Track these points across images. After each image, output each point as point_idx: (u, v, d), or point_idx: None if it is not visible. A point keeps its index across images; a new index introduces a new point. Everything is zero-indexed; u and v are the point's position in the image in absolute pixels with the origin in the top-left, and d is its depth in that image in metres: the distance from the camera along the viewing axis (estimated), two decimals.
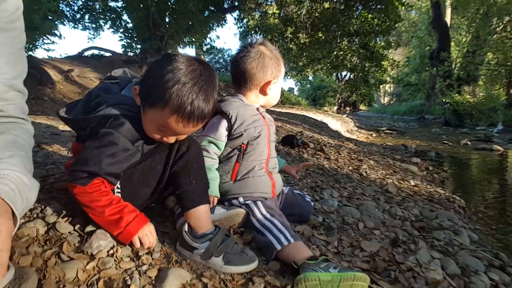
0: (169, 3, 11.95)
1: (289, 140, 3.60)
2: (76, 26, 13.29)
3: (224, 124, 1.31)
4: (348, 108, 33.78)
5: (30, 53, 7.43)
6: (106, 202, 0.98)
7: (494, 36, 14.32)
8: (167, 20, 12.31)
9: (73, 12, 13.10)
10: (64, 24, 13.24)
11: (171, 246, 1.11)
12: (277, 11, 15.28)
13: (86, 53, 11.68)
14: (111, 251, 0.98)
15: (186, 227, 1.10)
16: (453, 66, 16.67)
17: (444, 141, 8.35)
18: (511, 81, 13.82)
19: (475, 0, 13.29)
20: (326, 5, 13.17)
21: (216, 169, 1.32)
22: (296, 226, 1.49)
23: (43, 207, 1.12)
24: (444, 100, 15.27)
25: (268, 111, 1.59)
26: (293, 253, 1.12)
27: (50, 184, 1.33)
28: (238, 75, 1.38)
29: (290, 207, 1.48)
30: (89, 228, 1.03)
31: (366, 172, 3.12)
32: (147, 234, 1.01)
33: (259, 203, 1.29)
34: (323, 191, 2.13)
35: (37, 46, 7.34)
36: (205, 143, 1.31)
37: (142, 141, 1.06)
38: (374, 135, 10.10)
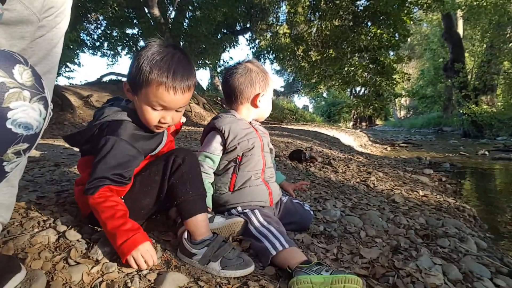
0: (183, 28, 12.43)
1: (297, 155, 3.65)
2: (95, 53, 13.98)
3: (218, 139, 1.41)
4: (364, 123, 33.54)
5: None
6: (108, 214, 1.04)
7: (510, 45, 14.13)
8: (181, 44, 12.77)
9: (93, 40, 13.81)
10: (84, 52, 13.95)
11: (172, 253, 1.18)
12: (288, 31, 15.63)
13: (104, 79, 12.21)
14: (115, 257, 1.06)
15: (185, 235, 1.17)
16: (469, 76, 16.45)
17: (461, 152, 8.18)
18: None
19: (486, 11, 13.21)
20: (336, 22, 13.39)
21: (211, 183, 1.40)
22: (296, 234, 1.53)
23: (55, 218, 1.22)
24: (461, 111, 15.01)
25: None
26: (288, 257, 1.17)
27: (64, 198, 1.44)
28: (229, 92, 1.49)
29: (289, 216, 1.53)
30: (96, 236, 1.12)
31: (373, 183, 3.13)
32: (141, 255, 1.02)
33: (256, 211, 1.35)
34: (326, 202, 2.17)
35: (59, 74, 7.74)
36: (201, 158, 1.39)
37: (142, 142, 1.16)
38: (388, 148, 9.99)
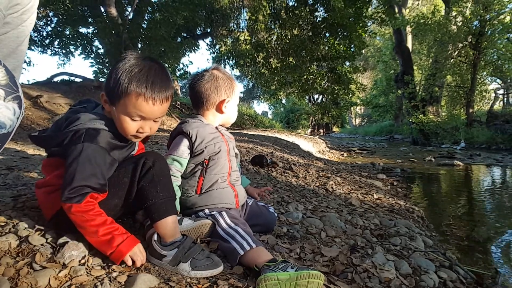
0: (141, 30, 12.12)
1: (259, 160, 3.73)
2: (45, 51, 13.15)
3: (185, 142, 1.44)
4: (321, 130, 34.70)
5: None
6: (100, 221, 1.06)
7: (451, 60, 15.46)
8: (139, 46, 12.43)
9: (41, 37, 12.98)
10: (33, 50, 13.08)
11: None
12: (249, 38, 15.83)
13: (55, 79, 11.53)
14: (83, 260, 1.04)
15: (155, 237, 1.17)
16: (417, 88, 17.70)
17: (411, 159, 8.77)
18: (469, 101, 14.83)
19: (431, 29, 14.37)
20: (295, 32, 13.83)
21: (178, 186, 1.42)
22: (261, 236, 1.59)
23: (15, 223, 1.17)
24: (410, 120, 16.09)
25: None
26: (255, 257, 1.22)
27: (22, 203, 1.38)
28: (195, 97, 1.53)
29: (255, 218, 1.59)
30: (62, 240, 1.09)
31: (332, 187, 3.29)
32: (137, 253, 1.10)
33: (223, 213, 1.39)
34: (289, 205, 2.26)
35: None
36: (169, 161, 1.40)
37: (117, 151, 1.18)
38: (345, 155, 10.45)
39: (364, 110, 43.08)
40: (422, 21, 14.44)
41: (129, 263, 1.08)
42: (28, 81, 11.66)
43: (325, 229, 1.93)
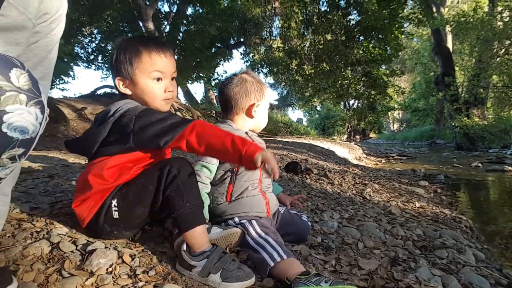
0: (177, 42, 12.54)
1: (292, 166, 3.65)
2: (89, 66, 13.98)
3: None
4: (357, 136, 33.80)
5: None
6: (223, 131, 1.10)
7: (497, 59, 14.45)
8: (175, 57, 12.84)
9: (87, 54, 13.84)
10: (79, 65, 13.96)
11: (169, 265, 1.15)
12: (282, 45, 15.85)
13: (98, 92, 12.17)
14: (110, 269, 1.03)
15: (184, 247, 1.14)
16: (460, 90, 16.75)
17: (455, 165, 8.25)
18: None
19: (473, 27, 13.56)
20: (328, 37, 13.64)
21: (208, 193, 1.38)
22: (293, 246, 1.51)
23: (49, 229, 1.19)
24: (453, 124, 15.21)
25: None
26: (286, 269, 1.15)
27: (58, 210, 1.41)
28: (224, 102, 1.51)
29: (287, 226, 1.52)
30: (90, 248, 1.09)
31: (369, 195, 3.13)
32: (268, 156, 1.06)
33: (253, 222, 1.34)
34: (323, 213, 2.16)
35: (53, 86, 7.75)
36: (197, 168, 1.38)
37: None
38: (383, 161, 10.04)
39: (403, 114, 41.50)
40: (463, 19, 13.68)
41: (258, 163, 1.04)
42: (74, 94, 12.44)
43: (362, 239, 1.81)
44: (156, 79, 1.19)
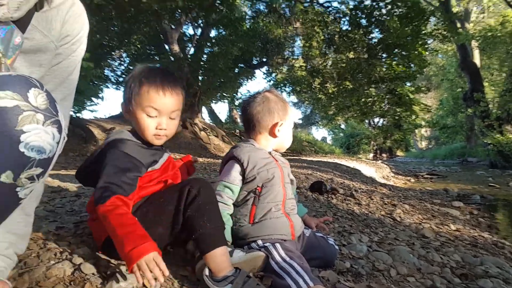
0: (201, 63, 12.89)
1: (317, 186, 3.55)
2: (118, 88, 14.58)
3: (236, 168, 1.37)
4: (384, 155, 32.94)
5: (78, 114, 8.23)
6: (118, 222, 0.99)
7: None
8: (200, 78, 13.20)
9: (116, 76, 14.49)
10: (108, 87, 14.59)
11: None
12: (304, 64, 15.94)
13: None
14: None
15: (206, 271, 1.10)
16: (491, 105, 16.08)
17: (490, 184, 7.81)
18: None
19: (502, 41, 13.13)
20: (350, 55, 13.60)
21: (230, 214, 1.34)
22: (320, 271, 1.43)
23: (72, 250, 1.18)
24: (485, 141, 14.53)
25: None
26: None
27: (82, 229, 1.41)
28: (247, 121, 1.48)
29: (313, 250, 1.44)
30: (111, 270, 1.07)
31: (400, 216, 2.97)
32: (147, 263, 0.94)
33: (277, 245, 1.27)
34: (351, 236, 2.05)
35: (83, 107, 8.11)
36: (219, 188, 1.34)
37: (142, 155, 1.18)
38: (412, 180, 9.67)
39: (431, 132, 40.28)
40: (490, 34, 13.27)
41: (138, 276, 0.93)
42: (104, 115, 12.95)
43: (395, 265, 1.70)
44: (150, 114, 1.17)
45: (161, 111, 1.17)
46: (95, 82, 6.72)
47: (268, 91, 1.50)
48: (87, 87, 6.63)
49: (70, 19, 0.95)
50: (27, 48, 0.83)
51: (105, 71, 13.43)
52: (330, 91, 15.27)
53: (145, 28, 11.54)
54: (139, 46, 13.30)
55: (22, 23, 0.81)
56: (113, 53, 13.21)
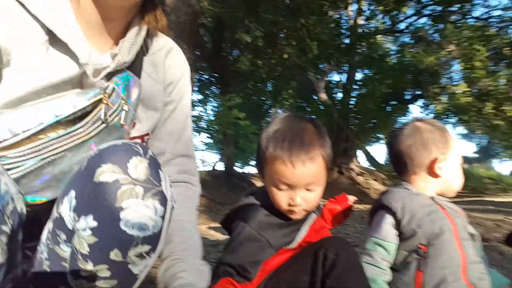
0: (349, 106, 13.11)
1: None
2: None
3: (388, 220, 1.11)
4: None
5: (244, 170, 9.51)
6: None
7: None
8: (349, 122, 13.39)
9: None
10: None
11: None
12: (468, 89, 14.00)
13: None
14: None
15: None
16: None
17: None
18: None
19: None
20: None
21: (386, 281, 1.07)
22: None
23: None
24: None
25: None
26: None
27: None
28: (396, 159, 1.23)
29: None
30: None
31: None
32: None
33: None
34: None
35: (248, 164, 9.36)
36: (369, 246, 1.11)
37: (271, 231, 0.99)
38: None
39: None
40: None
41: None
42: None
43: None
44: (280, 188, 0.96)
45: (293, 185, 0.95)
46: (251, 140, 7.72)
47: (419, 120, 1.24)
48: (248, 146, 7.62)
49: (172, 64, 0.98)
50: (142, 96, 0.88)
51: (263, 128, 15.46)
52: (508, 114, 12.75)
53: (292, 83, 12.76)
54: (290, 101, 14.73)
55: (134, 70, 0.86)
56: (269, 111, 15.08)
